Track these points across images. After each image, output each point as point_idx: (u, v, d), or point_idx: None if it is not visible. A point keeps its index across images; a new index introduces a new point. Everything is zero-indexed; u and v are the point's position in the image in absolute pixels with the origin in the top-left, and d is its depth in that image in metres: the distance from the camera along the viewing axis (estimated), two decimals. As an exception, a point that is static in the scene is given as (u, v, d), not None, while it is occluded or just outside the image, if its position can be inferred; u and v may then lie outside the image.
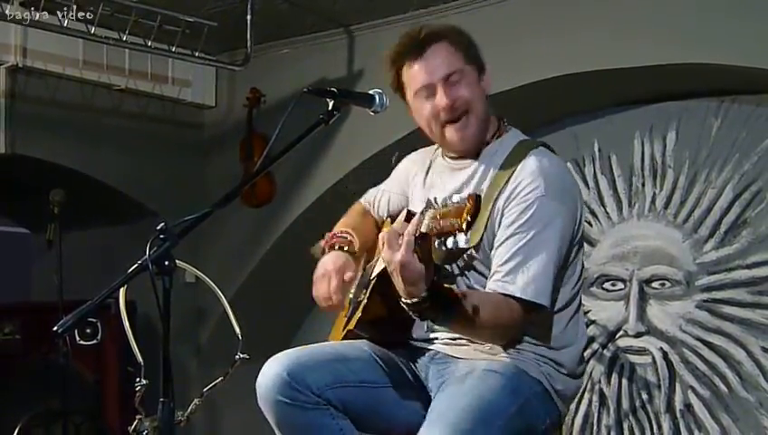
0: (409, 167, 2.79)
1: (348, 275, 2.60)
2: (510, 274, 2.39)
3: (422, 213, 2.23)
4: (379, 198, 2.87)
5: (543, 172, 2.46)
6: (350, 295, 2.77)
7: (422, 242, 2.20)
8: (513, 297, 2.38)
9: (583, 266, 2.61)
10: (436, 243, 2.15)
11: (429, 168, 2.70)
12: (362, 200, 2.93)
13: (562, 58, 4.60)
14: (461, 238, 2.09)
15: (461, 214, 2.09)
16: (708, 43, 4.25)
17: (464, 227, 2.07)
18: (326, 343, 2.71)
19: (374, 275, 2.58)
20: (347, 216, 2.87)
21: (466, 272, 2.53)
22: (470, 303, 2.31)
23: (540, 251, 2.40)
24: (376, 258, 2.71)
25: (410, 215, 2.54)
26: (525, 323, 2.42)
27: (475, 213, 2.08)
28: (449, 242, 2.11)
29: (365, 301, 2.56)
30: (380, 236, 2.27)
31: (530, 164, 2.48)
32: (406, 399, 2.58)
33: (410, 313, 2.30)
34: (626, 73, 4.51)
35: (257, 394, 2.55)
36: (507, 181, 2.47)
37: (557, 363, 2.53)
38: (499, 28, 4.70)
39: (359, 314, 2.57)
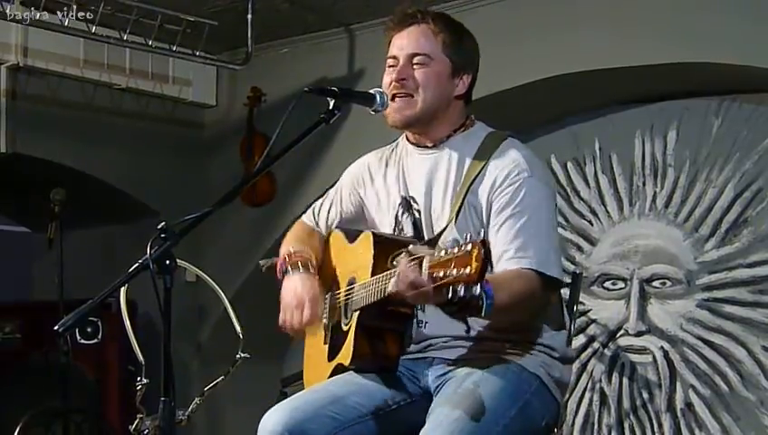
0: (360, 171, 2.77)
1: (321, 307, 2.64)
2: (520, 250, 2.40)
3: (407, 253, 2.19)
4: (326, 211, 2.84)
5: (523, 156, 2.50)
6: (323, 319, 2.75)
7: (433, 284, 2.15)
8: (531, 269, 2.39)
9: (563, 253, 2.63)
10: (448, 292, 2.10)
11: (388, 163, 2.69)
12: (305, 219, 2.90)
13: (563, 57, 4.60)
14: (476, 289, 2.08)
15: (468, 262, 2.04)
16: (709, 42, 4.25)
17: (475, 276, 2.04)
18: (319, 386, 2.64)
19: (356, 307, 2.53)
20: (295, 235, 2.84)
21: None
22: (499, 281, 2.29)
23: (541, 227, 2.43)
24: (345, 282, 2.66)
25: (383, 240, 2.53)
26: (544, 297, 2.43)
27: (486, 259, 2.04)
28: (461, 290, 2.08)
29: (353, 334, 2.52)
30: (396, 280, 2.22)
31: (509, 150, 2.51)
32: (410, 415, 2.56)
33: (449, 315, 2.30)
34: (626, 73, 4.51)
35: None
36: (484, 167, 2.49)
37: (551, 348, 2.54)
38: (499, 28, 4.70)
39: (349, 348, 2.53)
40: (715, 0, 4.27)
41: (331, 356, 2.66)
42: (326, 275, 2.76)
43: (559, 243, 2.51)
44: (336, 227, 2.81)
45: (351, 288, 2.60)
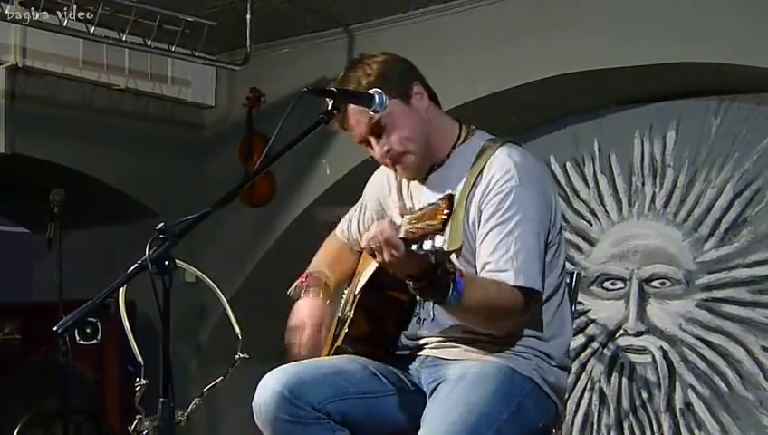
0: (377, 185, 2.81)
1: (323, 330, 2.67)
2: (499, 262, 2.41)
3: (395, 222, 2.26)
4: (349, 225, 2.89)
5: (514, 163, 2.48)
6: (338, 314, 2.78)
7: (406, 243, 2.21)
8: (508, 285, 2.39)
9: (566, 257, 2.63)
10: (414, 247, 2.16)
11: (400, 180, 2.72)
12: (338, 232, 2.95)
13: (562, 57, 4.60)
14: (438, 239, 2.11)
15: (436, 215, 2.11)
16: (708, 41, 4.25)
17: (440, 226, 2.09)
18: (320, 358, 2.69)
19: (357, 290, 2.58)
20: (322, 250, 2.91)
21: None
22: (475, 282, 2.33)
23: (523, 238, 2.42)
24: (357, 278, 2.72)
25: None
26: (524, 310, 2.42)
27: (449, 212, 2.10)
28: (426, 244, 2.13)
29: (351, 317, 2.57)
30: (366, 241, 2.29)
31: (499, 158, 2.50)
32: (405, 406, 2.58)
33: (418, 292, 2.30)
34: (625, 73, 4.51)
35: (255, 412, 2.52)
36: (478, 176, 2.49)
37: (547, 355, 2.54)
38: (498, 28, 4.70)
39: (346, 329, 2.58)
40: (714, 0, 4.27)
41: (334, 342, 2.70)
42: (354, 277, 2.83)
43: (542, 250, 2.48)
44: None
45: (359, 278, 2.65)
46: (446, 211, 2.10)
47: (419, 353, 2.60)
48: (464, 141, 2.60)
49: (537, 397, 2.51)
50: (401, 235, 2.19)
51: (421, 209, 2.18)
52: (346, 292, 2.82)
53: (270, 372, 2.55)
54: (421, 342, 2.59)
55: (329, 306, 2.74)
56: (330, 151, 5.23)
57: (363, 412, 2.55)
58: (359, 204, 2.89)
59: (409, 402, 2.57)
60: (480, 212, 2.47)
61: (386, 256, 2.22)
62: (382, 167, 2.78)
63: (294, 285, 2.83)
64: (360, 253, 2.88)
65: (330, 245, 2.93)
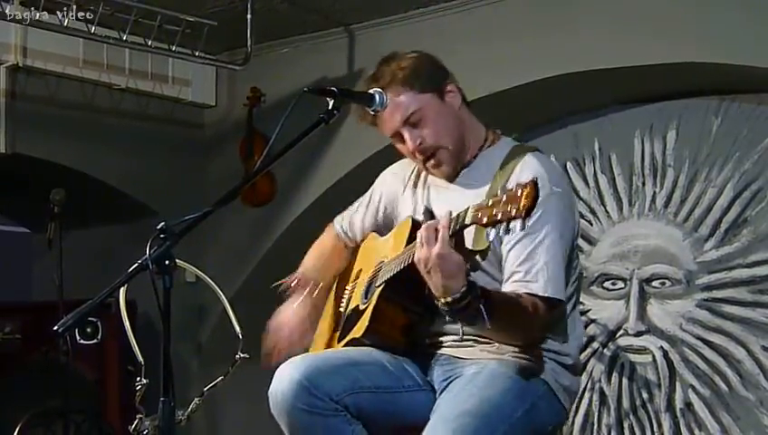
0: (391, 182, 2.80)
1: (304, 340, 2.73)
2: (529, 273, 2.40)
3: (449, 212, 2.25)
4: (360, 220, 2.88)
5: (546, 171, 2.47)
6: (340, 309, 2.76)
7: (456, 238, 2.21)
8: (537, 296, 2.39)
9: (579, 263, 2.62)
10: (492, 232, 2.11)
11: (417, 177, 2.71)
12: (336, 226, 2.94)
13: (562, 57, 4.59)
14: (517, 224, 2.06)
15: (518, 199, 2.05)
16: (708, 41, 4.25)
17: (523, 213, 2.04)
18: (335, 349, 2.67)
19: (380, 282, 2.57)
20: (316, 247, 2.92)
21: (472, 274, 2.53)
22: (502, 299, 2.33)
23: (553, 249, 2.43)
24: (372, 271, 2.69)
25: (419, 224, 2.53)
26: (548, 320, 2.43)
27: (535, 197, 2.03)
28: (501, 229, 2.09)
29: (371, 309, 2.54)
30: (418, 233, 2.27)
31: (530, 164, 2.49)
32: (416, 402, 2.57)
33: (448, 313, 2.29)
34: (626, 72, 4.51)
35: (271, 401, 2.49)
36: (507, 180, 2.47)
37: (563, 355, 2.54)
38: (499, 27, 4.70)
39: (365, 321, 2.55)
40: (714, 0, 4.27)
41: (343, 337, 2.67)
42: (352, 272, 2.82)
43: (566, 260, 2.48)
44: (373, 231, 2.85)
45: (379, 268, 2.63)
46: (531, 195, 2.03)
47: (435, 351, 2.60)
48: (490, 145, 2.61)
49: (550, 400, 2.51)
50: (467, 220, 2.19)
51: (495, 195, 2.13)
52: (348, 287, 2.80)
53: (286, 362, 2.52)
54: (438, 339, 2.59)
55: (313, 310, 2.74)
56: (330, 151, 5.23)
57: (377, 407, 2.53)
58: (365, 198, 2.87)
59: (421, 401, 2.56)
60: None
61: (434, 250, 2.21)
62: (397, 164, 2.78)
63: (283, 282, 2.82)
64: (355, 250, 2.87)
65: (323, 243, 2.92)
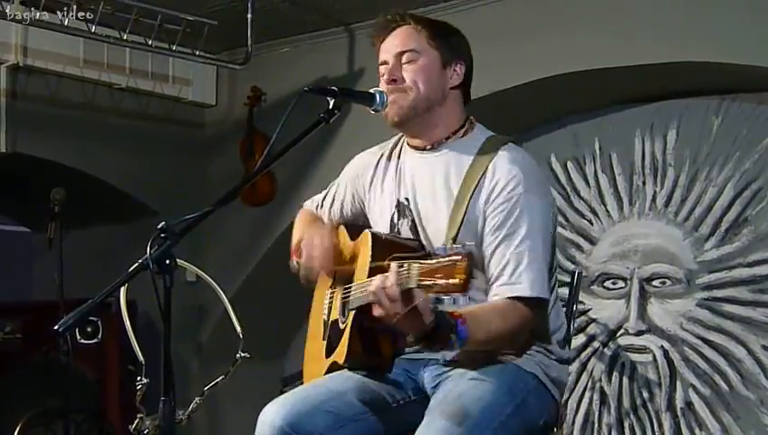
0: (361, 167, 2.78)
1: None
2: (513, 275, 2.41)
3: (399, 265, 2.21)
4: (329, 205, 2.86)
5: (520, 168, 2.48)
6: (323, 315, 2.76)
7: (408, 297, 2.18)
8: (521, 298, 2.39)
9: (555, 254, 2.61)
10: (433, 299, 2.14)
11: (388, 162, 2.70)
12: (307, 206, 2.93)
13: (563, 57, 4.59)
14: (461, 300, 2.11)
15: (453, 273, 2.06)
16: (709, 41, 4.25)
17: (461, 290, 2.06)
18: (316, 380, 2.65)
19: (352, 306, 2.54)
20: (303, 222, 2.87)
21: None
22: (477, 319, 2.32)
23: (534, 247, 2.43)
24: (344, 281, 2.67)
25: (379, 240, 2.54)
26: (533, 322, 2.43)
27: (469, 273, 2.05)
28: (445, 300, 2.14)
29: (348, 334, 2.53)
30: (370, 291, 2.24)
31: (505, 161, 2.49)
32: (406, 414, 2.56)
33: (421, 348, 2.32)
34: (626, 72, 4.51)
35: None
36: (482, 177, 2.48)
37: (548, 350, 2.54)
38: (499, 27, 4.70)
39: (344, 347, 2.54)
40: (714, 0, 4.27)
41: (328, 353, 2.66)
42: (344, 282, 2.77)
43: (548, 256, 2.48)
44: (340, 223, 2.82)
45: (349, 287, 2.61)
46: (465, 271, 2.05)
47: (421, 357, 2.59)
48: (464, 134, 2.60)
49: (540, 394, 2.51)
50: (411, 284, 2.16)
51: (433, 257, 2.14)
52: (328, 292, 2.78)
53: (267, 407, 2.53)
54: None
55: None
56: (330, 151, 5.23)
57: (364, 433, 2.54)
58: (335, 185, 2.86)
59: (410, 412, 2.56)
60: (485, 216, 2.46)
61: (387, 311, 2.21)
62: (366, 154, 2.77)
63: (292, 258, 2.80)
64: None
65: (306, 217, 2.90)
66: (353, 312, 2.53)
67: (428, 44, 2.57)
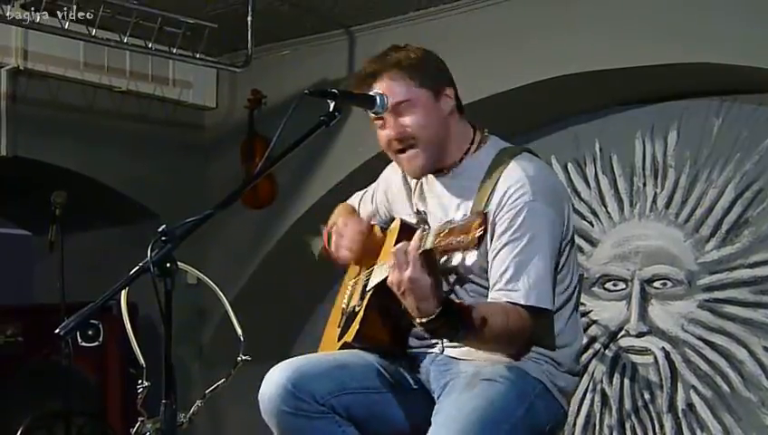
0: (392, 176, 2.81)
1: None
2: (511, 282, 2.41)
3: (423, 229, 2.27)
4: (368, 203, 2.90)
5: (528, 177, 2.47)
6: (343, 304, 2.78)
7: (428, 258, 2.21)
8: (518, 305, 2.39)
9: (577, 265, 2.62)
10: (442, 260, 2.16)
11: (409, 182, 2.73)
12: (351, 201, 2.97)
13: (563, 58, 4.59)
14: (469, 256, 2.10)
15: (469, 230, 2.09)
16: (709, 42, 4.25)
17: (473, 244, 2.08)
18: (325, 352, 2.71)
19: (370, 286, 2.58)
20: (339, 211, 2.91)
21: (458, 286, 2.56)
22: (480, 314, 2.33)
23: (536, 256, 2.42)
24: (368, 269, 2.71)
25: (407, 227, 2.56)
26: (533, 329, 2.43)
27: (484, 230, 2.08)
28: (455, 259, 2.12)
29: (361, 314, 2.57)
30: (390, 254, 2.28)
31: (513, 170, 2.49)
32: (409, 403, 2.59)
33: (425, 332, 2.32)
34: (627, 73, 4.51)
35: (260, 405, 2.54)
36: (493, 190, 2.48)
37: (556, 362, 2.54)
38: (499, 28, 4.70)
39: (356, 326, 2.57)
40: (714, 1, 4.27)
41: (341, 337, 2.70)
42: (356, 265, 2.84)
43: (553, 266, 2.48)
44: (374, 223, 2.86)
45: (371, 271, 2.64)
46: (481, 227, 2.08)
47: (430, 351, 2.60)
48: (477, 149, 2.60)
49: (546, 399, 2.52)
50: (427, 245, 2.19)
51: (450, 222, 2.17)
52: (351, 284, 2.82)
53: (275, 366, 2.56)
54: (431, 340, 2.59)
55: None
56: (330, 153, 5.23)
57: (366, 408, 2.56)
58: (374, 187, 2.90)
59: (413, 401, 2.58)
60: (494, 225, 2.46)
61: (401, 275, 2.22)
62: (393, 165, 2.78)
63: (323, 235, 2.84)
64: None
65: (344, 208, 2.93)
66: (369, 293, 2.57)
67: (415, 87, 2.54)
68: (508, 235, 2.43)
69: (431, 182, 2.64)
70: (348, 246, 2.74)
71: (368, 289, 2.61)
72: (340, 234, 2.75)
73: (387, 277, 2.33)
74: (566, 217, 2.54)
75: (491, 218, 2.44)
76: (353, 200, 2.97)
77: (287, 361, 2.59)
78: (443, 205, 2.58)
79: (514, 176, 2.47)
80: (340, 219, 2.79)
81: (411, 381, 2.62)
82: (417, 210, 2.65)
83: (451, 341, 2.43)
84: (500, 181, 2.48)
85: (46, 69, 5.08)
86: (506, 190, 2.46)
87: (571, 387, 2.59)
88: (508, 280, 2.41)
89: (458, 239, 2.10)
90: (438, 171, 2.61)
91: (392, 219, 2.80)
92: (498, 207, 2.46)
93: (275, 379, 2.52)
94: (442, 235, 2.16)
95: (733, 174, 4.64)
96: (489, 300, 2.44)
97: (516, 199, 2.44)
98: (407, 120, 2.54)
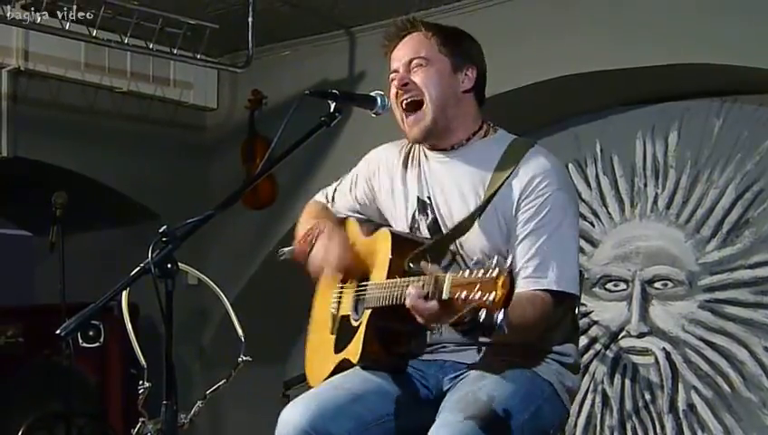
0: (377, 162, 2.77)
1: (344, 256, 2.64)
2: (539, 269, 2.41)
3: (422, 248, 2.24)
4: (342, 195, 2.85)
5: (553, 167, 2.50)
6: (332, 309, 2.74)
7: (447, 306, 2.10)
8: (549, 290, 2.40)
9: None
10: (467, 318, 2.04)
11: (407, 160, 2.69)
12: (318, 198, 2.91)
13: (564, 59, 4.60)
14: (498, 316, 1.98)
15: (494, 288, 1.97)
16: (710, 43, 4.25)
17: (499, 305, 1.97)
18: (336, 382, 2.60)
19: (369, 305, 2.52)
20: (310, 214, 2.84)
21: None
22: (514, 306, 2.29)
23: (563, 243, 2.44)
24: (357, 277, 2.65)
25: (402, 239, 2.51)
26: (553, 314, 2.43)
27: (511, 288, 1.97)
28: (480, 315, 2.00)
29: (362, 333, 2.51)
30: (407, 305, 2.20)
31: (536, 160, 2.50)
32: (424, 417, 2.56)
33: (459, 333, 2.34)
34: (628, 74, 4.51)
35: None
36: (512, 173, 2.48)
37: (565, 355, 2.55)
38: (500, 29, 4.70)
39: (358, 345, 2.52)
40: (714, 1, 4.27)
41: (338, 349, 2.65)
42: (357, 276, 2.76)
43: (577, 253, 2.51)
44: (350, 216, 2.82)
45: (365, 285, 2.60)
46: (505, 287, 1.96)
47: (437, 358, 2.59)
48: (485, 135, 2.60)
49: (553, 402, 2.52)
50: (444, 296, 2.08)
51: (469, 271, 2.04)
52: (337, 287, 2.75)
53: (289, 407, 2.52)
54: (438, 346, 2.58)
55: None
56: (331, 154, 5.23)
57: None
58: (350, 176, 2.84)
59: (427, 414, 2.55)
60: (517, 209, 2.46)
61: (424, 319, 2.19)
62: (384, 149, 2.77)
63: (294, 247, 2.78)
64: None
65: (314, 209, 2.87)
66: (369, 311, 2.52)
67: (439, 51, 2.57)
68: (534, 223, 2.44)
69: (435, 161, 2.62)
70: (335, 266, 2.63)
71: (366, 306, 2.55)
72: (327, 250, 2.63)
73: (393, 305, 2.30)
74: (578, 207, 2.60)
75: (515, 200, 2.45)
76: (320, 197, 2.90)
77: (301, 400, 2.53)
78: (449, 185, 2.56)
79: (539, 165, 2.49)
80: (324, 232, 2.66)
81: (424, 394, 2.60)
82: (419, 199, 2.62)
83: (488, 337, 2.40)
84: (521, 169, 2.48)
85: (47, 69, 5.08)
86: (531, 178, 2.46)
87: (575, 386, 2.60)
88: (536, 268, 2.42)
89: (481, 296, 1.98)
90: (440, 150, 2.60)
91: (373, 207, 2.74)
92: (523, 192, 2.46)
93: (294, 421, 2.46)
94: (460, 286, 2.04)
95: (733, 175, 4.64)
96: (517, 290, 2.42)
97: (544, 187, 2.45)
98: (418, 73, 2.55)
